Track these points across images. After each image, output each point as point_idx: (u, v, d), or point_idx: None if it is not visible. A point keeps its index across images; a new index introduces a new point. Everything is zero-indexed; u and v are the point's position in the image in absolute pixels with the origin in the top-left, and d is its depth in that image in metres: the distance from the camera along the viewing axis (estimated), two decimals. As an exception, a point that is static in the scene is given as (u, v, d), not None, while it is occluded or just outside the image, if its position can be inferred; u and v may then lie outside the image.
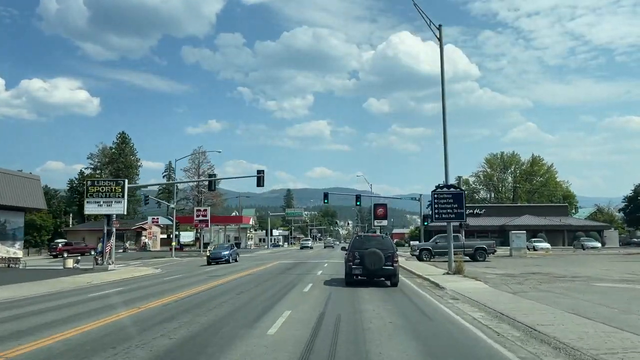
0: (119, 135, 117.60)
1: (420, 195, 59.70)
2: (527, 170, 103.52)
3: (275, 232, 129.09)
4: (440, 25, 23.71)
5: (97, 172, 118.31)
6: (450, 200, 22.58)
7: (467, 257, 35.77)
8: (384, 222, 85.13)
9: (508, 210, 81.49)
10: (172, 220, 63.61)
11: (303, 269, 28.87)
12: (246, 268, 29.49)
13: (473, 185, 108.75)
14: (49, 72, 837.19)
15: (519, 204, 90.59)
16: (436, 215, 22.79)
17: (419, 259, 36.14)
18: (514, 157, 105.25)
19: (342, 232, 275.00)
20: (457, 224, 30.54)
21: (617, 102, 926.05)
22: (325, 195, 58.91)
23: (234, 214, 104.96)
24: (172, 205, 60.82)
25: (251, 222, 75.97)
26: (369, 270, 17.53)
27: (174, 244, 57.83)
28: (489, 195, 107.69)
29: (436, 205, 22.77)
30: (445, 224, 23.18)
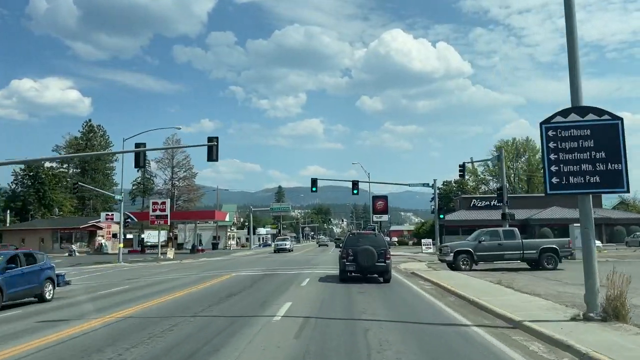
0: (85, 124, 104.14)
1: (435, 180, 46.75)
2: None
3: (262, 231, 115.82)
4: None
5: (64, 165, 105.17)
6: (590, 142, 9.32)
7: (523, 264, 22.80)
8: (385, 217, 72.04)
9: (532, 201, 68.56)
10: (130, 218, 50.32)
11: (256, 296, 15.22)
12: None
13: (482, 176, 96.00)
14: (39, 72, 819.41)
15: (540, 195, 77.71)
16: (555, 179, 9.44)
17: (453, 266, 23.00)
18: (528, 142, 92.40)
19: (337, 230, 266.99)
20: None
21: (609, 99, 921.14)
22: (314, 182, 45.73)
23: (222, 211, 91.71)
24: (117, 197, 47.31)
25: (227, 218, 62.67)
26: (362, 266, 17.77)
27: (120, 245, 44.51)
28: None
29: (554, 156, 9.43)
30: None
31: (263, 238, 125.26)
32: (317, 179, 46.34)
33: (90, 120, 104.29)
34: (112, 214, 63.53)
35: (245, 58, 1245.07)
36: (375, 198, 72.16)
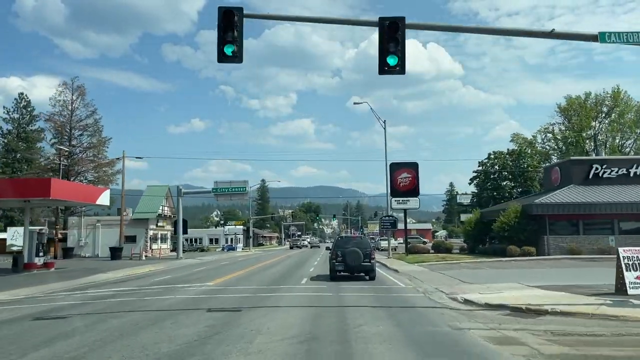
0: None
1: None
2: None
3: (226, 229, 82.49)
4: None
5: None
6: None
7: None
8: (413, 202, 38.89)
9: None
10: None
11: None
12: None
13: (543, 146, 62.83)
14: (26, 70, 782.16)
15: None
16: None
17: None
18: (618, 95, 59.45)
19: (328, 230, 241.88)
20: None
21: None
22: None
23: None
24: None
25: (103, 200, 29.38)
26: (350, 266, 19.16)
27: None
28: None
29: None
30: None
31: (231, 239, 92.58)
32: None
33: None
34: None
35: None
36: (396, 167, 39.10)
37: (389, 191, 38.28)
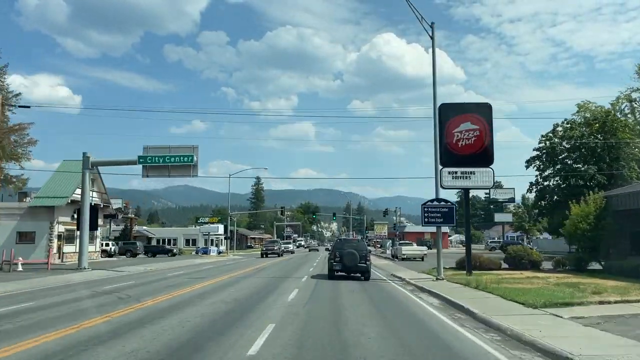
0: None
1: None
2: None
3: (201, 227, 64.82)
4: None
5: None
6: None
7: None
8: (482, 174, 20.68)
9: None
10: None
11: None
12: None
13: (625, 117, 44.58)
14: (29, 69, 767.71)
15: None
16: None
17: None
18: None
19: (327, 233, 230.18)
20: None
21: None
22: None
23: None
24: None
25: None
26: (347, 266, 20.05)
27: None
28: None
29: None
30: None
31: (212, 241, 75.34)
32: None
33: None
34: None
35: (237, 59, 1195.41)
36: (452, 112, 20.82)
37: (438, 156, 20.51)
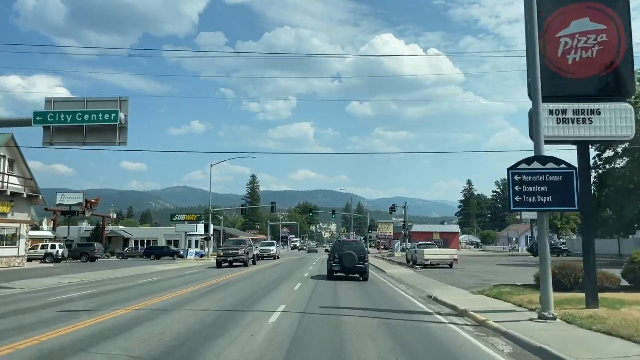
0: None
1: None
2: None
3: (179, 227, 55.20)
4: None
5: None
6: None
7: None
8: (612, 112, 10.78)
9: None
10: None
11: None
12: None
13: None
14: (27, 70, 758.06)
15: None
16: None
17: None
18: None
19: (326, 235, 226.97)
20: None
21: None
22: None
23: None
24: None
25: None
26: (346, 268, 20.51)
27: None
28: None
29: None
30: None
31: (198, 242, 66.45)
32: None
33: None
34: None
35: (235, 60, 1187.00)
36: (560, 2, 10.15)
37: (532, 81, 10.80)
